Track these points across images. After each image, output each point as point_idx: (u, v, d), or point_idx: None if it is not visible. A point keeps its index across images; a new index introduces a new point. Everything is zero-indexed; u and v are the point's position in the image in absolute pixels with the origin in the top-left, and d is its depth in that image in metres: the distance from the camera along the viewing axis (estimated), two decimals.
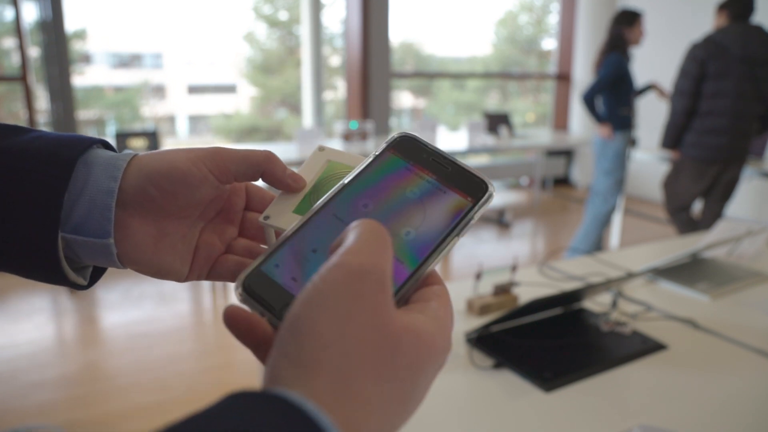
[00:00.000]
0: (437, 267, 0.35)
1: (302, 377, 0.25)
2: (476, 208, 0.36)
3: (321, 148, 0.43)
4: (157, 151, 0.39)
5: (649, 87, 3.90)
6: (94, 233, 0.37)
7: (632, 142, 3.73)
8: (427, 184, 0.37)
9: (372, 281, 0.27)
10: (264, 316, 0.32)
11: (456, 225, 0.36)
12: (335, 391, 0.25)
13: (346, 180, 0.37)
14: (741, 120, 3.09)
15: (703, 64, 3.07)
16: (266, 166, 0.40)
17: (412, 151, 0.38)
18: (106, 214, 0.37)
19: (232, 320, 0.31)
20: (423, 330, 0.28)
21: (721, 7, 3.14)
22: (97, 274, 0.42)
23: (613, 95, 3.49)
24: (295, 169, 0.42)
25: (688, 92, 3.14)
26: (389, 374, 0.27)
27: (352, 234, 0.29)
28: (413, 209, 0.36)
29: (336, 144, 4.29)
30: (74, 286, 0.40)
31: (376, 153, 0.39)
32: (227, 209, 0.43)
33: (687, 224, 3.36)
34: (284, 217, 0.40)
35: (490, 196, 0.37)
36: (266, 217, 0.40)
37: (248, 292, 0.33)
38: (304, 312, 0.26)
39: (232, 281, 0.41)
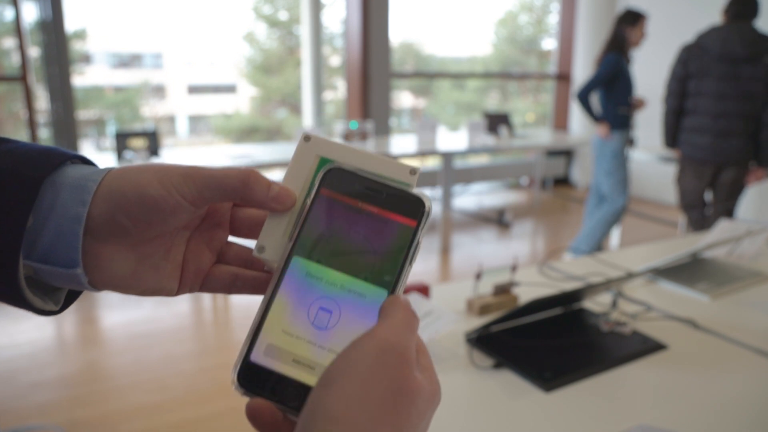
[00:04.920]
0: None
1: (331, 429, 0.28)
2: (420, 228, 0.36)
3: (307, 138, 0.39)
4: (130, 169, 0.35)
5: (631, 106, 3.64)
6: (61, 263, 0.34)
7: (630, 142, 3.72)
8: (369, 218, 0.36)
9: (396, 354, 0.30)
10: (272, 401, 0.32)
11: (407, 252, 0.35)
12: None
13: (292, 241, 0.36)
14: (722, 119, 3.10)
15: (685, 65, 3.18)
16: (244, 192, 0.36)
17: (344, 185, 0.37)
18: (74, 243, 0.33)
19: (256, 416, 0.32)
20: (425, 384, 0.31)
21: (725, 11, 3.17)
22: (73, 295, 0.39)
23: (611, 94, 3.49)
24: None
25: (674, 92, 3.26)
26: (403, 425, 0.29)
27: (385, 312, 0.33)
28: (364, 250, 0.35)
29: None
30: (41, 313, 0.36)
31: (312, 196, 0.36)
32: (213, 212, 0.40)
33: (697, 223, 3.37)
34: (280, 248, 0.37)
35: (429, 210, 0.36)
36: (261, 249, 0.37)
37: (247, 389, 0.33)
38: (335, 374, 0.30)
39: (228, 293, 0.40)
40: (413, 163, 0.38)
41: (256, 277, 0.40)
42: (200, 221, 0.39)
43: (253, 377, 0.33)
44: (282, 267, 0.35)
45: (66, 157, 0.35)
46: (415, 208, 0.36)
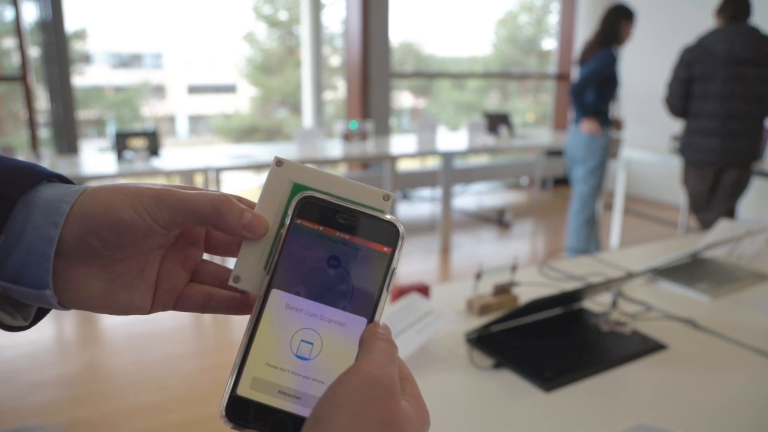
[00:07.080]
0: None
1: None
2: (395, 255, 0.36)
3: (279, 162, 0.39)
4: (102, 190, 0.35)
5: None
6: (31, 283, 0.34)
7: (618, 125, 3.61)
8: (345, 247, 0.36)
9: (382, 387, 0.31)
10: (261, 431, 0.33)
11: (384, 280, 0.36)
12: None
13: (269, 274, 0.36)
14: (731, 121, 3.10)
15: (688, 68, 3.15)
16: (215, 219, 0.35)
17: (318, 214, 0.36)
18: (44, 264, 0.33)
19: None
20: (412, 414, 0.32)
21: (718, 12, 3.16)
22: (43, 310, 0.38)
23: (602, 91, 3.41)
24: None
25: (678, 94, 3.24)
26: None
27: (365, 344, 0.34)
28: (342, 279, 0.36)
29: (336, 144, 4.29)
30: (10, 329, 0.36)
31: (287, 224, 0.36)
32: (188, 231, 0.39)
33: (707, 224, 3.36)
34: (256, 277, 0.37)
35: (403, 236, 0.37)
36: (236, 279, 0.37)
37: (235, 422, 0.33)
38: (324, 411, 0.30)
39: (202, 312, 0.40)
40: (385, 189, 0.38)
41: (231, 297, 0.39)
42: (175, 240, 0.39)
43: (240, 410, 0.34)
44: (261, 300, 0.35)
45: (42, 176, 0.35)
46: (390, 234, 0.36)
